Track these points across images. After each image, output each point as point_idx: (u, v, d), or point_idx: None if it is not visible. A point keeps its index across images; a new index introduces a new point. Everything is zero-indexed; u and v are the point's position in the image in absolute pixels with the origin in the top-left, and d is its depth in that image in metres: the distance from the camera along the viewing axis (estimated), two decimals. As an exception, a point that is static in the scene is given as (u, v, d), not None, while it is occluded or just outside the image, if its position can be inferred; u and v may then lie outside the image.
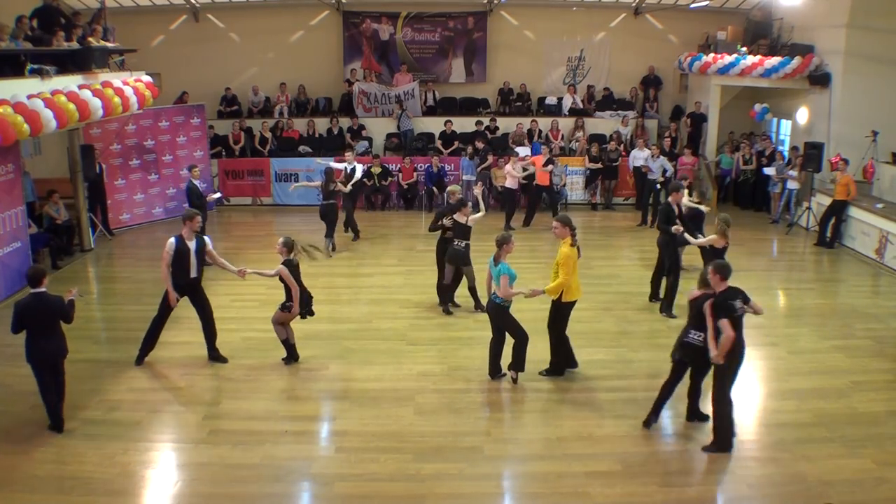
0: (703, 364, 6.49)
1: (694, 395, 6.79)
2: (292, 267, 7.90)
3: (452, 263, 9.54)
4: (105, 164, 13.94)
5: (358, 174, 13.41)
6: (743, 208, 15.99)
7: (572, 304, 7.56)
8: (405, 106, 16.88)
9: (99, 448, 6.39)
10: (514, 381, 7.66)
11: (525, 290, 7.46)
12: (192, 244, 7.99)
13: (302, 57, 17.61)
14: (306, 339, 8.75)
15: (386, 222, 15.04)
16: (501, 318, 7.54)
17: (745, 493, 5.86)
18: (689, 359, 6.55)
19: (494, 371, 7.74)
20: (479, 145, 15.98)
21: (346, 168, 13.57)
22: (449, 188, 10.57)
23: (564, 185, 15.19)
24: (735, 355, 6.22)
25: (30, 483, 5.90)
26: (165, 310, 8.12)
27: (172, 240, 7.96)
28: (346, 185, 12.89)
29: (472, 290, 9.69)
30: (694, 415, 6.85)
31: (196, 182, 11.88)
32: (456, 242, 9.47)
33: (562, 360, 7.82)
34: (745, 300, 6.33)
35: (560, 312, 7.60)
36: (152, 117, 14.85)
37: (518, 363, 7.63)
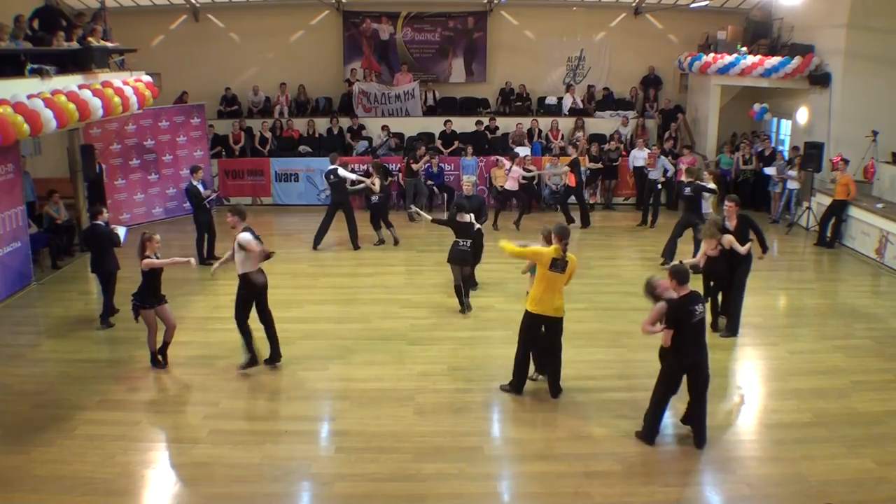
0: None
1: None
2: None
3: (454, 263, 9.55)
4: (105, 164, 13.94)
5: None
6: (743, 208, 15.88)
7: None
8: (386, 140, 16.50)
9: (99, 448, 6.39)
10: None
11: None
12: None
13: (302, 57, 17.60)
14: (306, 338, 8.75)
15: (386, 222, 15.02)
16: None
17: (745, 493, 5.85)
18: None
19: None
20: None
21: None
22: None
23: (565, 185, 15.12)
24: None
25: (30, 483, 5.90)
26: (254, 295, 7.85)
27: (248, 234, 7.62)
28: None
29: (458, 289, 9.64)
30: None
31: (196, 183, 11.82)
32: (461, 243, 9.50)
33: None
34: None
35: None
36: (152, 117, 14.85)
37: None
